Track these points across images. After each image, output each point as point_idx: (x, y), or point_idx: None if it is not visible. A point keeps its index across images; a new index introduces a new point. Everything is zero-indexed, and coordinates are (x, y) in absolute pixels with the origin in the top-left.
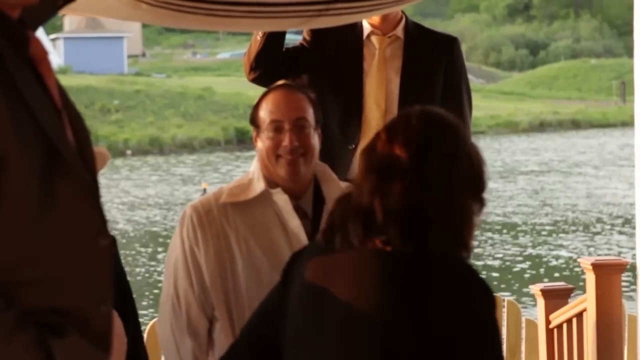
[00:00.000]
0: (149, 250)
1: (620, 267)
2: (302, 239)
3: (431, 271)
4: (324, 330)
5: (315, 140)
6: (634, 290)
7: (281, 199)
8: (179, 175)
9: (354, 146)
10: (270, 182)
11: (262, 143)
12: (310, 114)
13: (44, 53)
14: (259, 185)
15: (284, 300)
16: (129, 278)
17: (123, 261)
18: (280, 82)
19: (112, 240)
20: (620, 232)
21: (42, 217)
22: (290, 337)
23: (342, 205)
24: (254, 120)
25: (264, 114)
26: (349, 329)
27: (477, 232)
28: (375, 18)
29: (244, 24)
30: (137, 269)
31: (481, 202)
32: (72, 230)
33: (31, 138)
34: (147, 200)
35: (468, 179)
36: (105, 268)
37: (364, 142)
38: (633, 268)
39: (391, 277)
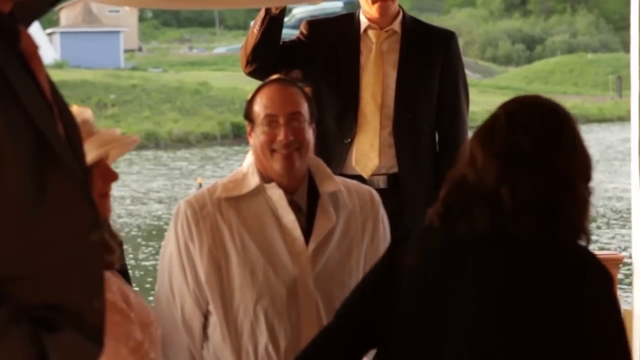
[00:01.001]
0: (152, 244)
1: (616, 262)
2: (297, 233)
3: (569, 261)
4: (450, 317)
5: (310, 134)
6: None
7: (275, 194)
8: (179, 170)
9: (349, 140)
10: (265, 177)
11: (256, 138)
12: (304, 109)
13: (34, 48)
14: (254, 180)
15: (389, 284)
16: (133, 272)
17: (126, 255)
18: (275, 76)
19: (120, 242)
20: (625, 227)
21: (34, 212)
22: (399, 321)
23: (459, 189)
24: (248, 115)
25: (259, 108)
26: (490, 317)
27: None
28: (373, 12)
29: (243, 2)
30: (141, 263)
31: (590, 190)
32: (64, 225)
33: (23, 132)
34: (149, 195)
35: (583, 168)
36: (97, 263)
37: (360, 136)
38: (629, 262)
39: (534, 268)
